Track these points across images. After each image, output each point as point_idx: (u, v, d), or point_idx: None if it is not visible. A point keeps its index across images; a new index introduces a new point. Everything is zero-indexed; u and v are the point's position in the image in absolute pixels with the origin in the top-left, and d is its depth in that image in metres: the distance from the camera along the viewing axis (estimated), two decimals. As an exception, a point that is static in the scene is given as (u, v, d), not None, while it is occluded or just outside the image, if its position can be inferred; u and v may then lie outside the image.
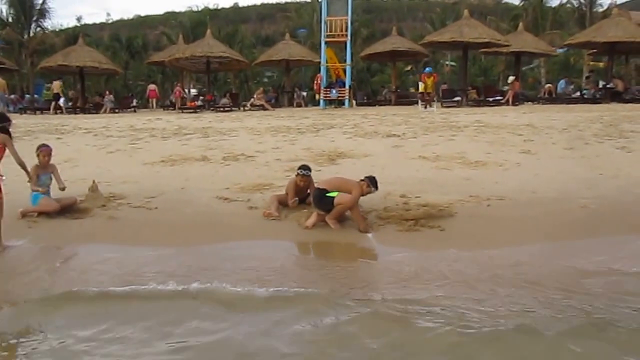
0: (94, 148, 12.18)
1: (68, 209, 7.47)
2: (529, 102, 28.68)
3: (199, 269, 5.71)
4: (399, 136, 13.17)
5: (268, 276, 5.56)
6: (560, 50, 38.51)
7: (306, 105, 29.71)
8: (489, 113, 17.95)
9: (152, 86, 33.49)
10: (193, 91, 33.20)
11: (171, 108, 27.20)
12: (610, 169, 10.03)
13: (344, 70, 26.52)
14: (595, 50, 31.39)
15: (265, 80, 50.48)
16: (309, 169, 7.69)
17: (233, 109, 25.44)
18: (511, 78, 26.76)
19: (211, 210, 7.60)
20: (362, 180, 7.30)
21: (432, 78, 21.79)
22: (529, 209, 7.76)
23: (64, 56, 26.85)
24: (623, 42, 25.73)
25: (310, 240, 6.71)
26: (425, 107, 20.39)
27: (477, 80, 42.07)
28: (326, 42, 25.83)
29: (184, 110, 24.43)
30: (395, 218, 7.15)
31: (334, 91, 25.34)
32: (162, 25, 47.02)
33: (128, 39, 48.54)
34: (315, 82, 26.62)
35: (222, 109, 24.96)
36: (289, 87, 31.14)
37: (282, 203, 7.65)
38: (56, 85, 26.85)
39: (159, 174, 9.75)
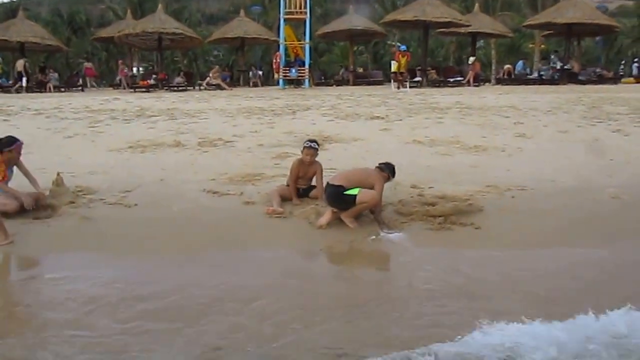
0: (48, 132, 10.76)
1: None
2: (487, 83, 28.47)
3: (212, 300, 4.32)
4: (382, 118, 12.29)
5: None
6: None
7: (262, 85, 28.50)
8: (466, 94, 17.26)
9: (88, 64, 31.57)
10: (138, 69, 31.38)
11: (121, 87, 25.50)
12: (617, 154, 9.45)
13: (303, 49, 25.45)
14: (550, 32, 31.36)
15: (212, 59, 48.69)
16: (317, 143, 6.75)
17: (188, 88, 24.05)
18: (472, 59, 26.31)
19: (202, 207, 6.47)
20: (379, 167, 6.34)
21: (406, 57, 20.90)
22: (558, 200, 6.97)
23: (3, 30, 24.68)
24: (580, 23, 25.70)
25: (332, 245, 5.62)
26: (399, 88, 19.51)
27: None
28: (285, 20, 24.70)
29: (136, 90, 22.85)
30: (420, 214, 6.20)
31: (293, 70, 24.32)
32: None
33: (70, 14, 45.71)
34: (274, 60, 25.43)
35: (176, 88, 23.54)
36: (244, 66, 29.79)
37: (284, 197, 6.61)
38: (20, 64, 24.52)
39: (130, 162, 8.53)
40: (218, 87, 23.96)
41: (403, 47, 22.50)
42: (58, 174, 6.65)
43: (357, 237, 5.75)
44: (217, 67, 26.98)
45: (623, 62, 33.74)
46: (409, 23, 26.53)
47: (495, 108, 13.84)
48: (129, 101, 15.53)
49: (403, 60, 20.58)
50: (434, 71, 26.44)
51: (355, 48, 45.41)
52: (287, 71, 24.02)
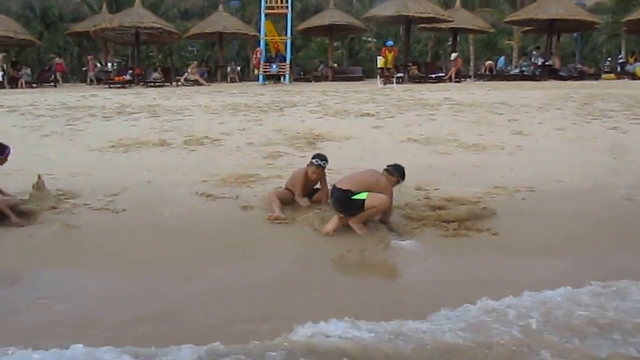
0: (23, 130, 10.13)
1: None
2: (468, 79, 28.23)
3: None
4: (373, 115, 11.88)
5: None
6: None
7: (240, 81, 27.89)
8: (454, 90, 16.93)
9: (59, 60, 30.60)
10: (113, 64, 30.46)
11: (96, 83, 24.66)
12: (619, 153, 9.15)
13: (284, 44, 24.89)
14: (531, 28, 31.28)
15: (186, 54, 47.78)
16: (326, 159, 6.19)
17: (165, 84, 23.35)
18: (454, 55, 25.99)
19: (196, 212, 5.98)
20: (387, 170, 5.91)
21: (393, 53, 20.43)
22: (570, 202, 6.63)
23: (-26, 24, 23.74)
24: (562, 19, 25.62)
25: (343, 255, 5.13)
26: (385, 84, 19.08)
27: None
28: (266, 15, 24.13)
29: (111, 86, 22.10)
30: (432, 219, 5.79)
31: (274, 66, 23.71)
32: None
33: (43, 9, 44.28)
34: (254, 56, 24.83)
35: (153, 84, 22.84)
36: (222, 61, 29.12)
37: (284, 201, 6.14)
38: (-1, 59, 23.51)
39: (113, 162, 8.01)
40: (196, 82, 23.30)
41: (389, 43, 21.94)
42: (39, 177, 6.09)
43: (368, 245, 5.30)
44: (195, 62, 26.29)
45: (609, 58, 33.70)
46: (391, 18, 26.19)
47: (486, 105, 13.51)
48: (107, 97, 14.88)
49: (390, 56, 20.12)
50: (415, 67, 26.13)
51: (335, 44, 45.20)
52: (268, 67, 23.42)
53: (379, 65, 20.20)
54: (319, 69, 29.89)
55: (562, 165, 8.33)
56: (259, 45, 24.37)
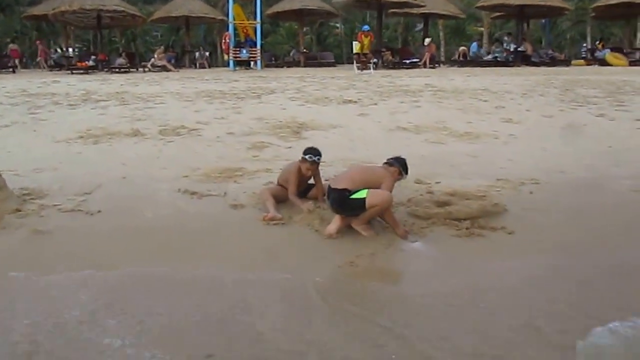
0: (-21, 120, 9.35)
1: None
2: (442, 65, 27.97)
3: None
4: (356, 102, 11.34)
5: None
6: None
7: (210, 67, 27.06)
8: (434, 76, 16.48)
9: (13, 45, 29.34)
10: (74, 50, 29.23)
11: (57, 69, 23.54)
12: (613, 141, 8.90)
13: (254, 29, 24.14)
14: (501, 14, 31.12)
15: (151, 39, 46.39)
16: (320, 153, 5.63)
17: (131, 70, 22.41)
18: (427, 40, 25.67)
19: (181, 213, 5.36)
20: (387, 163, 5.37)
21: (369, 38, 19.83)
22: (578, 195, 6.24)
23: None
24: (533, 5, 25.48)
25: (352, 261, 4.52)
26: (362, 70, 18.51)
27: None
28: (234, -1, 23.36)
29: (73, 72, 21.10)
30: (441, 217, 5.28)
31: (244, 51, 23.02)
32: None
33: (-2, -8, 42.36)
34: (223, 41, 24.05)
35: (118, 70, 21.89)
36: (189, 47, 28.21)
37: (278, 198, 5.56)
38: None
39: (82, 155, 7.31)
40: (163, 68, 22.48)
41: (366, 27, 21.38)
42: (-1, 175, 5.40)
43: (377, 247, 4.76)
44: (162, 47, 25.33)
45: (585, 45, 33.77)
46: (364, 3, 25.67)
47: (469, 91, 13.12)
48: (71, 84, 14.02)
49: (366, 41, 19.54)
50: (389, 52, 25.69)
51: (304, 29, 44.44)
52: (238, 52, 22.70)
53: (355, 51, 19.64)
54: (291, 54, 29.31)
55: (559, 155, 7.98)
56: (228, 30, 23.59)
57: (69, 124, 8.96)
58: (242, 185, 6.14)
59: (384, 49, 25.30)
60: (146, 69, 22.47)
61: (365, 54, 19.49)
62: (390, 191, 5.04)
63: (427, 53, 24.68)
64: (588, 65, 26.45)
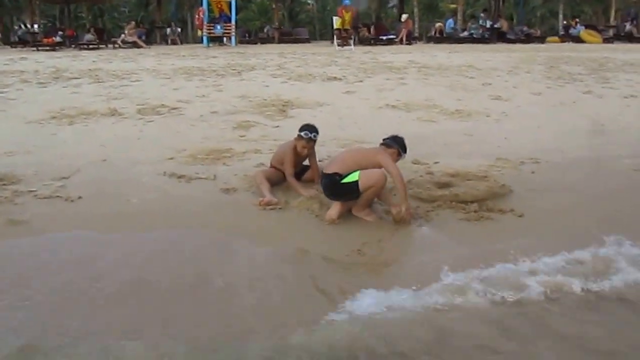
0: (-60, 100, 8.75)
1: None
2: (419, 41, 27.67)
3: None
4: (340, 79, 10.98)
5: None
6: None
7: (182, 43, 26.34)
8: (415, 52, 16.17)
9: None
10: (39, 25, 28.19)
11: (20, 45, 22.59)
12: (605, 119, 8.70)
13: (228, 4, 23.46)
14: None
15: (118, 15, 45.16)
16: (317, 130, 5.28)
17: (100, 46, 21.62)
18: (404, 16, 25.31)
19: (169, 197, 4.98)
20: (384, 144, 5.01)
21: (350, 12, 19.32)
22: (580, 175, 6.02)
23: None
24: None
25: (360, 249, 4.17)
26: (342, 46, 18.05)
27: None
28: (206, -29, 22.64)
29: (39, 48, 20.25)
30: (446, 200, 4.98)
31: (218, 27, 22.39)
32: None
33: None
34: (197, 16, 23.35)
35: (86, 47, 21.10)
36: (160, 22, 27.42)
37: (272, 181, 5.21)
38: None
39: (57, 137, 6.83)
40: (134, 45, 21.77)
41: (346, 2, 20.82)
42: (-32, 160, 4.94)
43: (384, 234, 4.44)
44: (132, 23, 24.49)
45: (565, 22, 33.75)
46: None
47: (454, 68, 12.87)
48: (39, 61, 13.37)
49: (347, 16, 19.06)
50: (365, 29, 25.29)
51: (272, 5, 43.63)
52: (212, 28, 22.06)
53: (335, 26, 19.14)
54: (265, 30, 28.68)
55: (554, 133, 7.76)
56: (202, 5, 22.91)
57: (40, 103, 8.43)
58: (232, 167, 5.77)
59: (360, 25, 24.90)
60: (116, 46, 21.72)
61: (346, 30, 19.02)
62: (395, 171, 4.64)
63: (403, 29, 24.39)
64: (562, 42, 26.42)
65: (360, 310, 3.20)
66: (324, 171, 4.76)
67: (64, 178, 5.28)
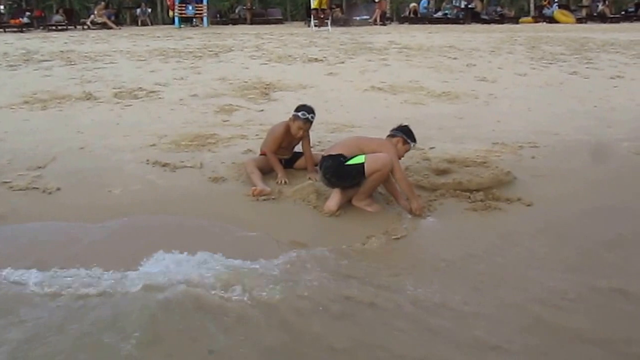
0: None
1: None
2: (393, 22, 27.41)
3: None
4: (322, 61, 10.71)
5: None
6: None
7: (152, 24, 25.68)
8: (394, 33, 15.95)
9: None
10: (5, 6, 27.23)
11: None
12: (595, 100, 8.58)
13: (200, -16, 22.91)
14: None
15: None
16: (314, 112, 5.01)
17: (69, 27, 20.93)
18: (378, -4, 24.99)
19: (154, 188, 4.67)
20: (390, 135, 4.75)
21: (328, -9, 19.02)
22: (583, 159, 5.78)
23: None
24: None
25: (365, 243, 3.87)
26: (319, 27, 17.71)
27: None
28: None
29: (6, 29, 19.53)
30: (450, 188, 4.76)
31: (190, 7, 21.86)
32: None
33: None
34: (168, -4, 22.75)
35: (55, 28, 20.42)
36: (131, 3, 26.70)
37: (264, 170, 4.93)
38: None
39: (31, 124, 6.45)
40: (104, 26, 21.14)
41: (323, -18, 20.53)
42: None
43: (389, 225, 4.18)
44: (102, 3, 23.72)
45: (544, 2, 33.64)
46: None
47: (435, 48, 12.65)
48: (8, 42, 12.80)
49: (325, -5, 18.76)
50: (338, 9, 24.99)
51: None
52: (184, 8, 21.52)
53: (312, 6, 18.76)
54: (237, 11, 28.14)
55: (547, 116, 7.62)
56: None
57: (11, 87, 8.00)
58: (218, 154, 5.47)
59: (333, 6, 24.56)
60: (85, 27, 21.06)
61: (323, 10, 18.67)
62: (397, 166, 4.33)
63: (377, 10, 24.17)
64: (536, 22, 26.42)
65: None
66: (326, 153, 4.47)
67: (40, 167, 4.94)
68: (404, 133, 4.70)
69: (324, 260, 3.54)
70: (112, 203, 4.35)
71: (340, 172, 4.32)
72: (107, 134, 6.01)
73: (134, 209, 4.23)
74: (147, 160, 5.18)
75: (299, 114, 4.87)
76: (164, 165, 5.08)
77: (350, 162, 4.30)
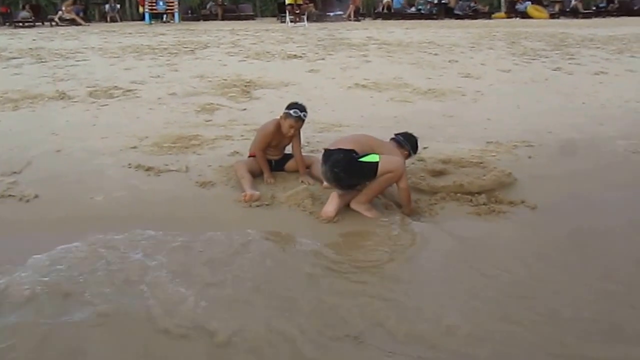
0: None
1: None
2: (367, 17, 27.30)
3: None
4: (301, 57, 10.46)
5: None
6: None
7: (122, 20, 25.13)
8: (372, 29, 15.74)
9: None
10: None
11: None
12: (582, 96, 8.56)
13: (171, -21, 22.50)
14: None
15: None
16: (306, 109, 4.77)
17: (37, 23, 20.34)
18: (352, -8, 24.87)
19: (139, 194, 4.37)
20: (397, 141, 4.55)
21: (304, -14, 18.77)
22: (581, 159, 5.65)
23: None
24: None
25: (369, 256, 3.65)
26: (295, 22, 17.44)
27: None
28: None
29: (-31, 26, 18.94)
30: (450, 191, 4.56)
31: (161, 3, 21.49)
32: None
33: None
34: (139, -8, 22.31)
35: (22, 24, 19.82)
36: (99, -1, 26.13)
37: (254, 173, 4.68)
38: None
39: (2, 125, 6.08)
40: (72, 22, 20.63)
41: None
42: None
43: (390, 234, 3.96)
44: (70, -1, 23.15)
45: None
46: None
47: (414, 44, 12.51)
48: (-28, 39, 12.32)
49: (301, -10, 18.51)
50: (312, 5, 24.78)
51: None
52: (155, 4, 21.12)
53: (287, 2, 18.49)
54: (207, 7, 27.72)
55: (537, 113, 7.49)
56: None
57: (-22, 86, 7.61)
58: (204, 156, 5.19)
59: (306, 1, 24.35)
60: (53, 23, 20.51)
61: (299, 5, 18.41)
62: (404, 184, 4.16)
63: (351, 5, 24.12)
64: (509, 17, 26.57)
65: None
66: (334, 147, 4.21)
67: (15, 173, 4.61)
68: (412, 148, 4.61)
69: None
70: (95, 212, 4.05)
71: (353, 168, 4.06)
72: (84, 135, 5.68)
73: (120, 218, 3.93)
74: (129, 164, 4.88)
75: (291, 111, 4.63)
76: (148, 169, 4.79)
77: (363, 159, 4.06)
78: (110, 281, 3.05)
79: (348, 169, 4.06)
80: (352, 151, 4.08)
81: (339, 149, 4.11)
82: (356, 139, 4.30)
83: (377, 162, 4.01)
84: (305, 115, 4.71)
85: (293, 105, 4.71)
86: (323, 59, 10.37)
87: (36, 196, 4.20)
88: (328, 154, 4.15)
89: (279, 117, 4.74)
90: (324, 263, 3.42)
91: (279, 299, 2.97)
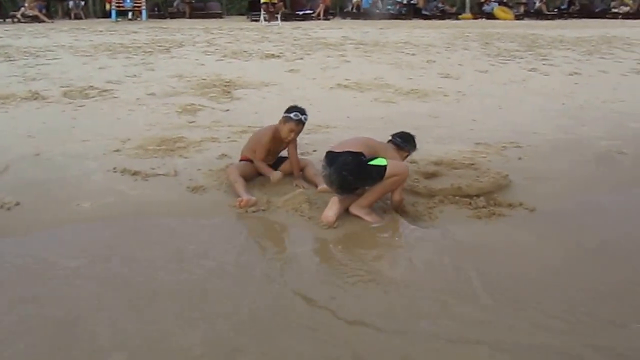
0: None
1: None
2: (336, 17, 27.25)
3: None
4: (279, 57, 10.31)
5: None
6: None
7: (86, 17, 24.55)
8: (346, 28, 15.65)
9: None
10: None
11: None
12: (561, 97, 8.60)
13: (137, -24, 22.09)
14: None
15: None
16: (306, 113, 4.63)
17: (-2, 20, 19.78)
18: (323, -8, 24.82)
19: (128, 200, 4.16)
20: (396, 144, 4.44)
21: (278, -13, 18.57)
22: (570, 160, 5.59)
23: None
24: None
25: (374, 265, 3.48)
26: (269, 21, 17.23)
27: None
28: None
29: None
30: (448, 194, 4.45)
31: (128, 0, 21.05)
32: None
33: None
34: (106, -12, 21.83)
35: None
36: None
37: (247, 177, 4.51)
38: None
39: (-26, 127, 5.80)
40: (35, 19, 20.07)
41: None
42: None
43: (394, 239, 3.85)
44: (33, -6, 22.48)
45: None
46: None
47: (391, 44, 12.48)
48: None
49: (275, -9, 18.31)
50: (281, 4, 24.63)
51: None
52: (121, 1, 20.68)
53: (262, 0, 18.27)
54: (175, 4, 27.29)
55: (520, 114, 7.48)
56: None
57: (-55, 85, 7.26)
58: (192, 160, 5.00)
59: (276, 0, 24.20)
60: (15, 20, 19.91)
61: (274, 4, 18.21)
62: (398, 197, 4.13)
63: (321, 4, 24.08)
64: (475, 19, 26.81)
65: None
66: (339, 149, 4.05)
67: (-9, 178, 4.36)
68: (412, 148, 4.54)
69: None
70: (83, 219, 3.83)
71: (362, 171, 3.96)
72: (63, 138, 5.43)
73: (109, 227, 3.73)
74: (114, 169, 4.66)
75: (291, 114, 4.49)
76: (134, 173, 4.57)
77: (373, 162, 3.96)
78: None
79: (358, 171, 3.95)
80: (360, 154, 3.97)
81: (347, 152, 3.98)
82: (362, 141, 4.17)
83: (385, 166, 3.91)
84: (305, 119, 4.59)
85: (293, 109, 4.57)
86: (302, 58, 10.23)
87: (17, 203, 3.96)
88: (334, 156, 4.02)
89: (277, 123, 4.60)
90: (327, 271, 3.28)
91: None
